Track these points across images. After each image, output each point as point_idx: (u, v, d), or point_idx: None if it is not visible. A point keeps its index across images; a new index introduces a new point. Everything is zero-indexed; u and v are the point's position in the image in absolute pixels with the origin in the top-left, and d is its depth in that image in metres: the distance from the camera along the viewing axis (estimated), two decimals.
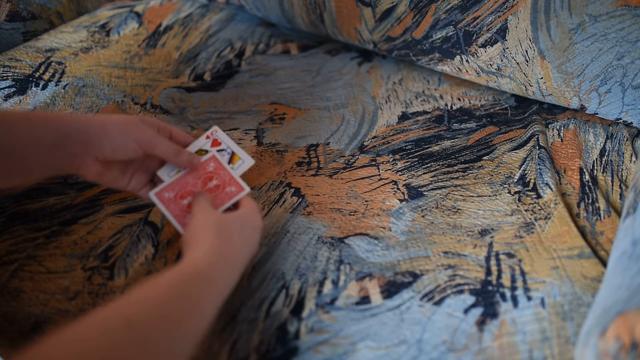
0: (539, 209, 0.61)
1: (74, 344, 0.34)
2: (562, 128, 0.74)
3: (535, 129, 0.72)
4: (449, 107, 0.79)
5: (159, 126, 0.54)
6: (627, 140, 0.71)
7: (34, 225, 0.59)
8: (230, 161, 0.57)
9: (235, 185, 0.55)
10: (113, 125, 0.49)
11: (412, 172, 0.67)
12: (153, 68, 0.85)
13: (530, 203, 0.62)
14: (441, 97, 0.81)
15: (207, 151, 0.57)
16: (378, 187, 0.65)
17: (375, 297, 0.52)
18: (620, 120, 0.73)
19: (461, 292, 0.52)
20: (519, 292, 0.52)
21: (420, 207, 0.62)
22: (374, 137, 0.73)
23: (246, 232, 0.49)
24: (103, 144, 0.48)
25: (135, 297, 0.39)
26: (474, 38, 0.75)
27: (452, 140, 0.72)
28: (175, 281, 0.41)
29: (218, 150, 0.57)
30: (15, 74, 0.79)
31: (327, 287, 0.53)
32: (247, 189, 0.55)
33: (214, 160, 0.56)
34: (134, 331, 0.36)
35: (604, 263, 0.55)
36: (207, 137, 0.58)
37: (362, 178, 0.67)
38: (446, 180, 0.66)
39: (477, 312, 0.50)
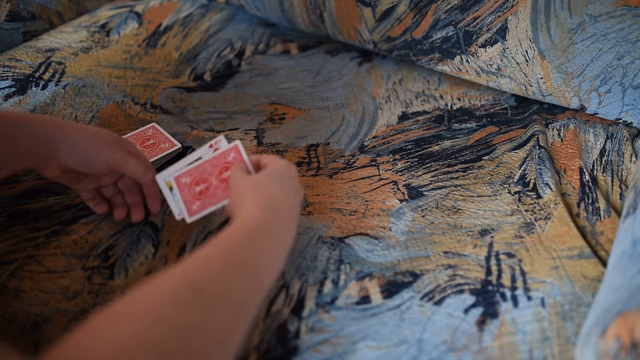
0: (539, 209, 0.61)
1: (144, 306, 0.35)
2: (562, 128, 0.74)
3: (535, 129, 0.72)
4: (449, 107, 0.79)
5: (129, 149, 0.55)
6: (627, 140, 0.71)
7: (34, 225, 0.59)
8: None
9: None
10: (85, 139, 0.51)
11: (412, 172, 0.67)
12: (153, 68, 0.85)
13: (530, 203, 0.62)
14: (441, 97, 0.81)
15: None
16: (378, 187, 0.65)
17: (376, 296, 0.52)
18: (620, 120, 0.73)
19: (461, 292, 0.52)
20: (519, 292, 0.52)
21: (420, 207, 0.62)
22: (374, 137, 0.73)
23: (285, 182, 0.51)
24: (68, 156, 0.50)
25: (200, 263, 0.40)
26: (474, 38, 0.75)
27: (452, 140, 0.72)
28: (232, 243, 0.42)
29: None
30: (15, 74, 0.79)
31: (327, 286, 0.53)
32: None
33: (235, 151, 0.55)
34: (201, 297, 0.37)
35: (604, 263, 0.55)
36: (211, 146, 0.57)
37: (362, 178, 0.67)
38: (446, 180, 0.66)
39: (477, 312, 0.51)
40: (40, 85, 0.77)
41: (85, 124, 0.59)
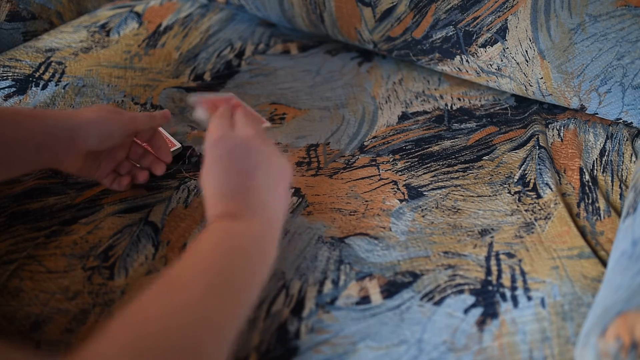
0: (539, 209, 0.61)
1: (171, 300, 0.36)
2: (562, 128, 0.74)
3: (535, 129, 0.72)
4: (449, 107, 0.79)
5: (128, 112, 0.57)
6: (627, 140, 0.71)
7: (34, 225, 0.59)
8: None
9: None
10: (96, 116, 0.51)
11: (412, 172, 0.67)
12: (153, 68, 0.85)
13: (530, 203, 0.62)
14: (441, 97, 0.81)
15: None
16: (378, 187, 0.65)
17: (375, 297, 0.52)
18: (620, 120, 0.73)
19: (461, 292, 0.52)
20: (519, 292, 0.52)
21: (420, 207, 0.62)
22: (374, 137, 0.73)
23: (270, 170, 0.47)
24: (90, 137, 0.50)
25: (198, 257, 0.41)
26: (474, 38, 0.75)
27: (452, 140, 0.72)
28: (215, 253, 0.42)
29: None
30: (15, 74, 0.79)
31: (327, 286, 0.53)
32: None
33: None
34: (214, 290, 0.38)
35: (604, 263, 0.55)
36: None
37: (362, 178, 0.67)
38: (446, 180, 0.66)
39: (477, 312, 0.51)
40: (40, 85, 0.77)
41: (80, 108, 0.61)
